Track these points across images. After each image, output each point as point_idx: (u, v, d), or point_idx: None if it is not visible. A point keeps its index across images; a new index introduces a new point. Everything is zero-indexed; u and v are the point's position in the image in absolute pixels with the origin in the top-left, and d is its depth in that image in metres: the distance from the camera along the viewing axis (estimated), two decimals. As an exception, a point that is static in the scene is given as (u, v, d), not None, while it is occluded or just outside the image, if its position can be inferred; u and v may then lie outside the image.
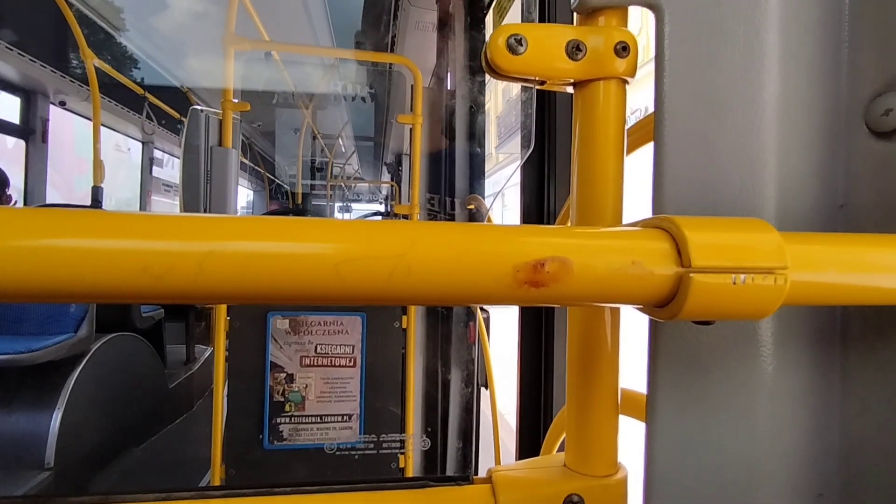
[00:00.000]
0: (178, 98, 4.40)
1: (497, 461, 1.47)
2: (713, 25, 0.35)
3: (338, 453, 1.71)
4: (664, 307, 0.24)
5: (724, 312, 0.24)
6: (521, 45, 0.35)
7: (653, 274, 0.23)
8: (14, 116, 3.26)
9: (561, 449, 0.56)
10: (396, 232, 0.21)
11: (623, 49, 0.36)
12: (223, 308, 1.71)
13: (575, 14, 0.38)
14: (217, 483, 1.66)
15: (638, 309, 0.27)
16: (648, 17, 0.37)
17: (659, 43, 0.35)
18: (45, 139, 3.34)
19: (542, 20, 0.83)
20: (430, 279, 0.21)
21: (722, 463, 0.36)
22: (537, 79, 0.37)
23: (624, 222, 0.35)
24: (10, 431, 2.04)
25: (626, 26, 0.37)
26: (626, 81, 0.37)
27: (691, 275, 0.23)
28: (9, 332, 2.26)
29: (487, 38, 0.37)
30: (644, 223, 0.26)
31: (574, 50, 0.36)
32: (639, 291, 0.23)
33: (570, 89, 0.39)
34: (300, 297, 0.20)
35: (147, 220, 0.20)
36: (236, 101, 1.85)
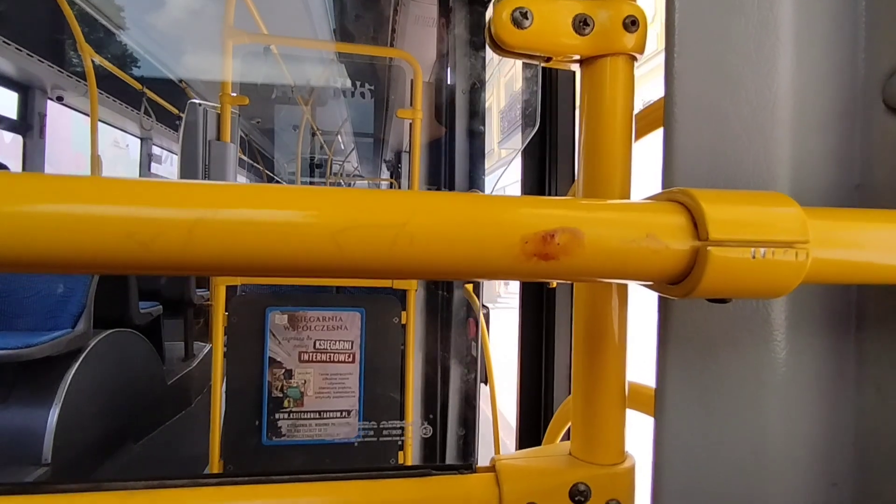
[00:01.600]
0: (177, 94, 4.38)
1: (496, 453, 1.46)
2: None
3: (336, 447, 1.70)
4: (678, 283, 0.23)
5: (741, 289, 0.23)
6: (527, 18, 0.34)
7: (668, 248, 0.22)
8: (11, 111, 3.24)
9: (565, 439, 0.55)
10: (399, 200, 0.20)
11: (632, 23, 0.34)
12: (221, 303, 1.70)
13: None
14: (215, 478, 1.65)
15: (649, 286, 0.26)
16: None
17: (669, 15, 0.34)
18: (42, 134, 3.32)
19: None
20: (434, 250, 0.20)
21: (732, 450, 0.35)
22: (543, 55, 0.36)
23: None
24: (7, 427, 2.03)
25: (634, 0, 0.35)
26: (634, 58, 0.36)
27: (709, 248, 0.22)
28: (6, 327, 2.24)
29: (490, 12, 0.36)
30: (657, 196, 0.25)
31: (581, 24, 0.35)
32: (653, 266, 0.22)
33: (575, 67, 0.38)
34: (296, 267, 0.19)
35: (133, 186, 0.18)
36: (235, 94, 1.84)
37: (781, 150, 0.33)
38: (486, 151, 2.01)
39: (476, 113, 1.94)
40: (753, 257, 0.22)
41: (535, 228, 0.20)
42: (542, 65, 0.37)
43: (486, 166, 2.03)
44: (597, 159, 0.34)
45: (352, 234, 0.19)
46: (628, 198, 0.33)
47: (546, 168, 0.82)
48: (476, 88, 1.93)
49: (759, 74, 0.33)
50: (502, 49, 0.35)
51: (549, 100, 0.79)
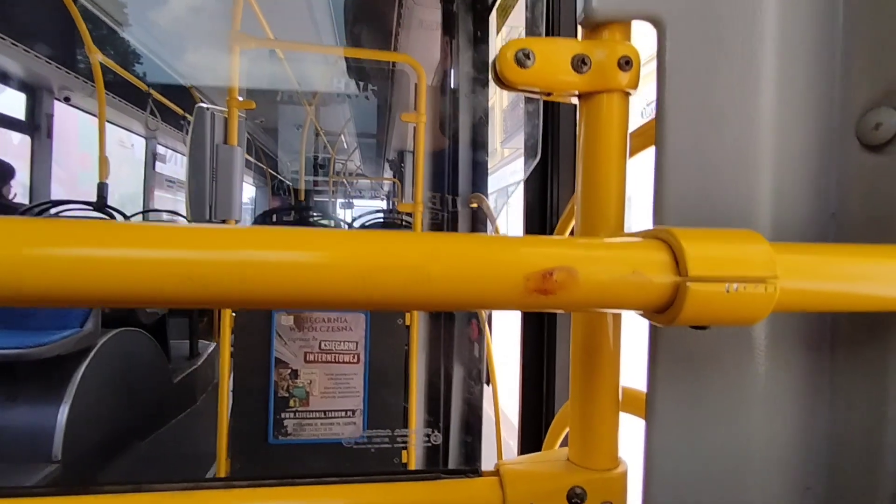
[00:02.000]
0: (181, 94, 4.41)
1: (499, 456, 1.49)
2: (712, 39, 0.37)
3: (341, 446, 1.73)
4: (663, 313, 0.26)
5: (718, 318, 0.26)
6: (529, 58, 0.37)
7: (652, 283, 0.25)
8: (19, 112, 3.28)
9: (563, 444, 0.58)
10: (417, 243, 0.23)
11: (626, 63, 0.37)
12: (229, 304, 1.73)
13: (580, 28, 0.40)
14: (223, 476, 1.68)
15: (639, 314, 0.29)
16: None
17: (660, 56, 0.37)
18: (49, 135, 3.36)
19: (547, 32, 0.85)
20: (450, 287, 0.23)
21: (716, 457, 0.38)
22: (544, 91, 0.39)
23: (626, 226, 0.37)
24: (18, 425, 2.07)
25: (629, 40, 0.38)
26: (628, 94, 0.39)
27: (688, 283, 0.25)
28: (17, 326, 2.28)
29: (493, 42, 0.39)
30: (644, 234, 0.28)
31: (579, 63, 0.38)
32: (639, 298, 0.25)
33: (575, 100, 0.41)
34: (333, 303, 0.22)
35: (193, 232, 0.21)
36: (241, 98, 1.86)
37: (763, 182, 0.36)
38: (489, 151, 2.04)
39: (479, 115, 1.96)
40: (728, 291, 0.25)
41: (535, 267, 0.24)
42: (544, 98, 0.41)
43: (490, 165, 2.06)
44: (593, 188, 0.37)
45: (378, 274, 0.22)
46: (622, 226, 0.36)
47: (547, 183, 0.85)
48: (479, 91, 1.95)
49: (742, 111, 0.36)
50: (507, 85, 0.38)
51: (552, 118, 0.82)
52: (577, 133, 0.40)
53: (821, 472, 0.37)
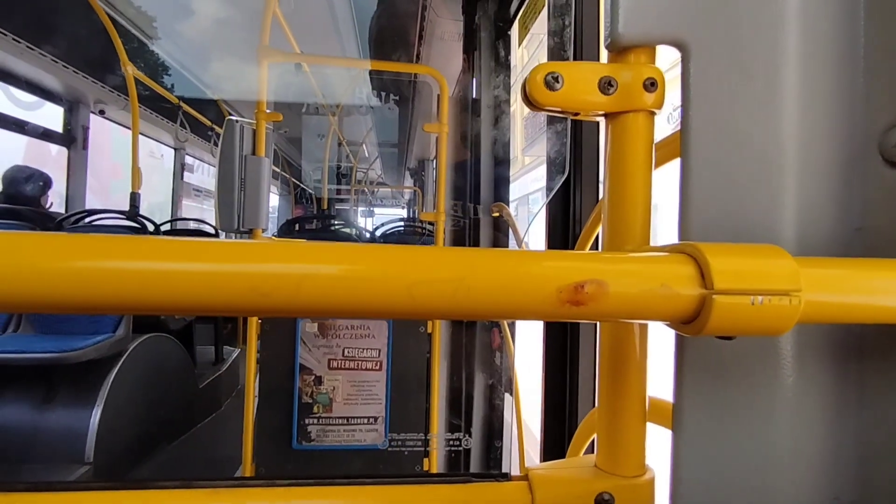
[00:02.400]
0: (209, 106, 4.54)
1: (521, 464, 1.49)
2: (736, 63, 0.38)
3: (363, 452, 1.74)
4: (689, 324, 0.28)
5: (743, 329, 0.27)
6: (558, 81, 0.39)
7: (679, 295, 0.26)
8: (57, 125, 3.41)
9: (588, 451, 0.59)
10: (458, 258, 0.25)
11: (651, 84, 0.39)
12: (256, 311, 1.77)
13: (606, 51, 0.42)
14: (248, 480, 1.71)
15: (666, 325, 0.30)
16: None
17: (685, 80, 0.38)
18: (85, 146, 3.49)
19: (573, 55, 0.87)
20: (487, 298, 0.25)
21: (743, 467, 0.39)
22: (571, 111, 0.41)
23: (651, 242, 0.39)
24: (53, 427, 2.14)
25: (654, 63, 0.40)
26: (654, 113, 0.40)
27: (713, 296, 0.26)
28: (52, 331, 2.37)
29: (514, 55, 0.41)
30: (671, 248, 0.30)
31: (606, 85, 0.39)
32: (667, 310, 0.27)
33: (600, 120, 0.42)
34: (379, 313, 0.24)
35: (253, 248, 0.24)
36: (268, 111, 1.92)
37: (787, 198, 0.37)
38: (510, 159, 2.05)
39: (500, 125, 1.98)
40: (752, 304, 0.26)
41: (567, 280, 0.25)
42: (572, 118, 0.42)
43: (511, 173, 2.07)
44: (619, 205, 0.39)
45: (422, 287, 0.24)
46: (647, 240, 0.37)
47: (570, 197, 0.86)
48: (500, 101, 1.98)
49: (765, 132, 0.37)
50: (536, 106, 0.40)
51: (575, 141, 0.84)
52: (605, 150, 0.41)
53: (849, 485, 0.38)
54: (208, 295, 0.22)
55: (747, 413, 0.38)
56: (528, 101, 0.40)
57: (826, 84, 0.38)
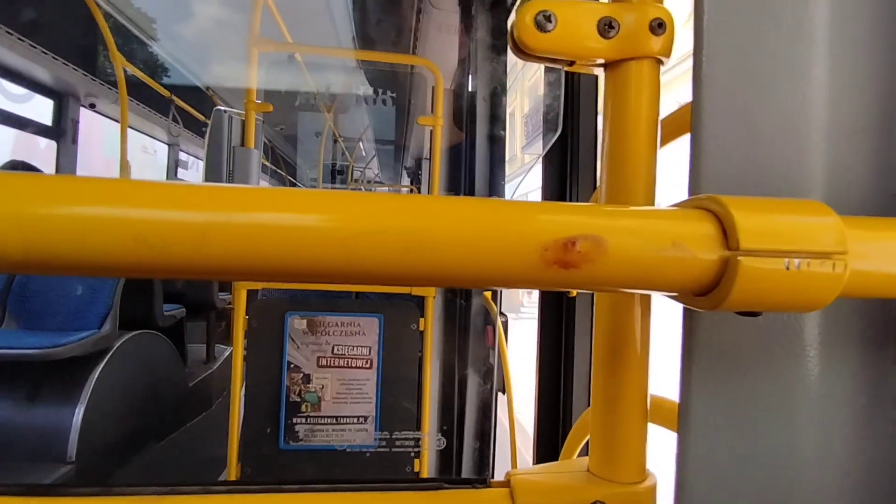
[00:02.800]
0: (204, 101, 4.48)
1: (513, 465, 1.44)
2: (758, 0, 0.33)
3: (353, 453, 1.70)
4: (706, 295, 0.22)
5: (773, 302, 0.21)
6: (550, 21, 0.33)
7: (696, 257, 0.21)
8: (46, 118, 3.35)
9: (583, 453, 0.54)
10: (413, 205, 0.19)
11: (659, 26, 0.33)
12: (242, 307, 1.72)
13: (606, -10, 0.36)
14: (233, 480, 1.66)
15: (674, 298, 0.24)
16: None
17: (698, 20, 0.33)
18: (75, 140, 3.43)
19: None
20: (449, 257, 0.19)
21: (760, 473, 0.33)
22: (566, 59, 0.35)
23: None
24: (35, 425, 2.08)
25: (661, 2, 0.34)
26: (660, 62, 0.35)
27: (739, 258, 0.20)
28: (35, 326, 2.31)
29: (510, 48, 0.35)
30: (684, 204, 0.24)
31: (606, 27, 0.34)
32: (679, 276, 0.21)
33: (599, 71, 0.37)
34: (309, 272, 0.19)
35: (145, 188, 0.18)
36: (259, 101, 1.87)
37: (814, 156, 0.31)
38: (508, 157, 2.01)
39: (497, 119, 1.93)
40: (787, 268, 0.21)
41: (555, 235, 0.20)
42: (566, 69, 0.37)
43: (510, 172, 2.03)
44: (620, 166, 0.33)
45: (365, 239, 0.18)
46: (653, 206, 0.32)
47: (567, 173, 0.81)
48: (497, 94, 1.93)
49: (791, 79, 0.32)
50: (525, 53, 0.35)
51: (571, 105, 0.78)
52: (604, 106, 0.36)
53: (885, 496, 0.32)
54: (69, 245, 0.17)
55: (766, 409, 0.33)
56: (517, 46, 0.35)
57: (862, 25, 0.32)
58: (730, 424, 0.33)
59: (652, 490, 0.36)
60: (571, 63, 0.35)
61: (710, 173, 0.30)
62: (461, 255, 0.19)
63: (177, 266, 0.18)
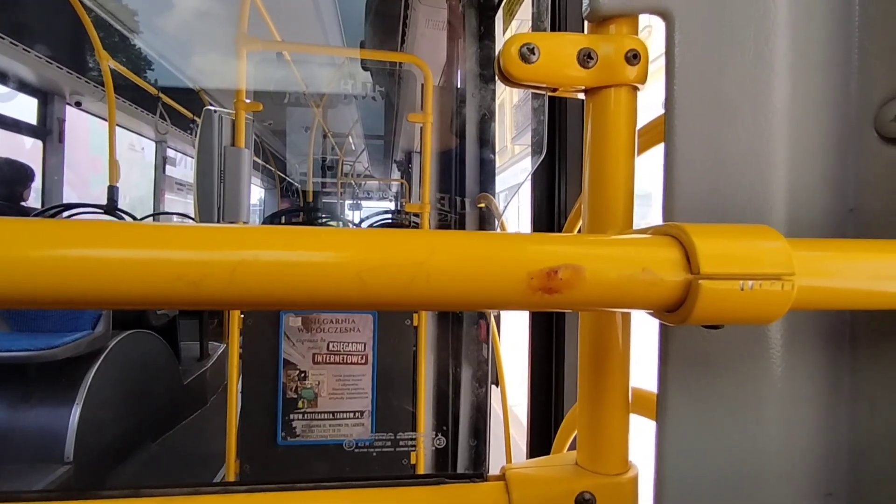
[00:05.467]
0: (191, 98, 4.44)
1: (508, 458, 1.48)
2: (723, 32, 0.35)
3: (355, 450, 1.73)
4: (674, 312, 0.25)
5: (732, 317, 0.25)
6: (534, 53, 0.36)
7: (663, 280, 0.24)
8: (31, 117, 3.32)
9: (572, 447, 0.57)
10: (416, 241, 0.22)
11: (633, 57, 0.36)
12: (237, 306, 1.73)
13: (586, 22, 0.39)
14: (232, 478, 1.69)
15: (649, 313, 0.28)
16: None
17: (669, 50, 0.36)
18: (61, 139, 3.40)
19: (552, 27, 0.84)
20: (449, 286, 0.22)
21: (731, 462, 0.37)
22: (549, 86, 0.38)
23: (635, 224, 0.36)
24: (31, 426, 2.09)
25: (636, 34, 0.37)
26: (636, 88, 0.37)
27: (700, 281, 0.24)
28: (28, 328, 2.31)
29: (499, 42, 0.38)
30: (654, 230, 0.27)
31: (585, 58, 0.36)
32: (649, 297, 0.24)
33: (581, 95, 0.40)
34: (325, 303, 0.21)
35: (182, 231, 0.21)
36: (249, 101, 1.87)
37: (777, 176, 0.35)
38: (498, 148, 2.02)
39: (486, 115, 1.95)
40: (742, 289, 0.24)
41: (539, 265, 0.23)
42: (550, 94, 0.39)
43: (500, 163, 2.05)
44: (600, 185, 0.36)
45: (374, 273, 0.21)
46: (630, 223, 0.35)
47: (555, 181, 0.84)
48: (485, 90, 1.94)
49: (755, 105, 0.35)
50: (511, 81, 0.37)
51: (560, 114, 0.81)
52: (584, 129, 0.39)
53: (843, 478, 0.36)
54: (127, 285, 0.19)
55: (735, 405, 0.36)
56: (503, 75, 0.37)
57: (819, 54, 0.35)
58: (703, 420, 0.36)
59: (634, 480, 0.39)
60: (554, 90, 0.38)
61: (680, 198, 0.33)
62: (459, 284, 0.22)
63: (210, 300, 0.21)
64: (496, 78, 1.85)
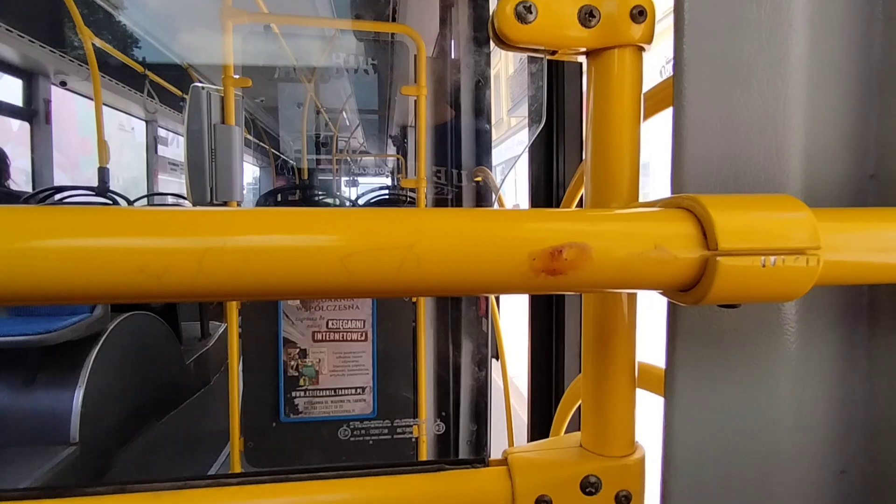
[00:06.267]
0: (180, 75, 4.34)
1: (510, 441, 1.48)
2: None
3: (354, 420, 1.74)
4: (688, 291, 0.23)
5: (751, 296, 0.23)
6: (531, 12, 0.33)
7: (677, 258, 0.22)
8: (16, 99, 3.24)
9: (573, 424, 0.56)
10: (404, 221, 0.20)
11: (639, 14, 0.33)
12: (234, 286, 1.73)
13: (588, -24, 0.36)
14: (236, 456, 1.70)
15: (659, 293, 0.26)
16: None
17: (678, 6, 0.33)
18: (48, 120, 3.32)
19: None
20: (442, 270, 0.20)
21: (742, 440, 0.35)
22: (548, 49, 0.35)
23: (643, 184, 0.34)
24: (34, 409, 2.10)
25: (642, -12, 0.34)
26: (642, 49, 0.35)
27: (718, 258, 0.21)
28: (25, 312, 2.29)
29: (493, 5, 0.35)
30: (665, 203, 0.25)
31: (587, 16, 0.34)
32: (662, 277, 0.22)
33: (582, 59, 0.37)
34: (305, 292, 0.19)
35: (141, 216, 0.19)
36: (237, 76, 1.82)
37: (794, 141, 0.32)
38: (494, 121, 1.98)
39: (482, 87, 1.90)
40: (763, 265, 0.22)
41: (542, 245, 0.20)
42: (548, 58, 0.37)
43: (496, 136, 2.01)
44: (604, 155, 0.34)
45: (359, 257, 0.19)
46: (636, 195, 0.32)
47: (553, 153, 0.81)
48: (480, 53, 1.89)
49: (771, 65, 0.32)
50: (507, 44, 0.34)
51: (557, 83, 0.78)
52: (587, 95, 0.36)
53: (857, 456, 0.35)
54: (77, 279, 0.17)
55: (747, 383, 0.34)
56: (498, 37, 0.34)
57: (840, 7, 0.32)
58: (713, 398, 0.35)
59: (640, 462, 0.38)
60: (553, 52, 0.35)
61: (690, 166, 0.31)
62: (453, 267, 0.20)
63: (176, 292, 0.18)
64: (490, 41, 1.79)
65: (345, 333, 1.80)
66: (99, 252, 0.18)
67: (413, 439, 1.76)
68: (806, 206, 0.23)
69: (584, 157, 0.37)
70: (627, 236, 0.22)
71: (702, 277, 0.22)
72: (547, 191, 0.86)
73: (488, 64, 1.87)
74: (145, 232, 0.18)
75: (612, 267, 0.21)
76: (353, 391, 1.79)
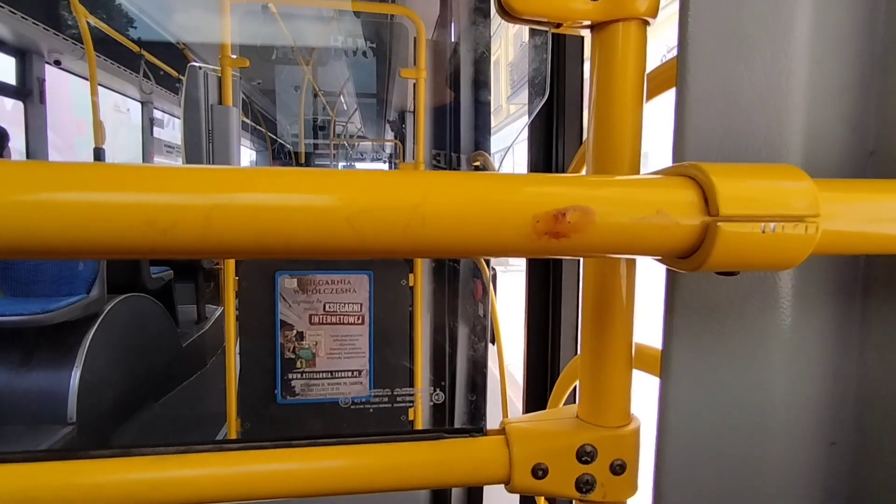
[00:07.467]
0: (176, 56, 4.28)
1: (504, 415, 1.50)
2: None
3: (351, 407, 1.76)
4: (687, 258, 0.24)
5: (750, 263, 0.23)
6: (537, -17, 0.33)
7: (678, 224, 0.22)
8: (10, 77, 3.19)
9: (570, 401, 0.57)
10: (411, 182, 0.20)
11: (645, -14, 0.33)
12: (231, 268, 1.73)
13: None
14: (233, 436, 1.72)
15: (658, 260, 0.26)
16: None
17: (684, -22, 0.33)
18: (42, 100, 3.28)
19: None
20: (447, 231, 0.20)
21: (735, 411, 0.36)
22: (552, 21, 0.35)
23: (642, 172, 0.34)
24: (32, 389, 2.11)
25: (648, -39, 0.34)
26: (647, 22, 0.35)
27: (719, 224, 0.22)
28: (22, 293, 2.29)
29: None
30: (668, 171, 0.25)
31: (592, -13, 0.34)
32: (663, 242, 0.22)
33: (585, 33, 0.37)
34: (312, 250, 0.20)
35: (151, 172, 0.19)
36: (235, 56, 1.80)
37: (795, 116, 0.32)
38: (494, 108, 1.97)
39: (482, 71, 1.89)
40: (763, 232, 0.22)
41: (546, 207, 0.21)
42: (552, 31, 0.37)
43: (495, 123, 2.00)
44: (607, 128, 0.34)
45: (366, 216, 0.19)
46: (637, 169, 0.33)
47: (553, 131, 0.80)
48: (482, 44, 1.87)
49: (775, 39, 0.32)
50: (511, 15, 0.34)
51: (558, 60, 0.77)
52: (591, 68, 0.36)
53: (848, 428, 0.35)
54: (86, 232, 0.17)
55: (741, 354, 0.35)
56: (502, 8, 0.34)
57: (846, -18, 0.32)
58: (708, 370, 0.35)
59: (636, 432, 0.38)
60: (558, 25, 0.35)
61: (693, 139, 0.31)
62: (458, 228, 0.20)
63: (183, 248, 0.19)
64: (492, 14, 1.77)
65: (342, 316, 1.81)
66: (107, 206, 0.18)
67: (410, 423, 1.78)
68: (807, 175, 0.23)
69: (586, 132, 0.37)
70: (630, 201, 0.22)
71: (702, 243, 0.23)
72: (546, 167, 0.86)
73: (488, 48, 1.85)
74: (154, 188, 0.18)
75: (615, 231, 0.22)
76: (350, 374, 1.80)
